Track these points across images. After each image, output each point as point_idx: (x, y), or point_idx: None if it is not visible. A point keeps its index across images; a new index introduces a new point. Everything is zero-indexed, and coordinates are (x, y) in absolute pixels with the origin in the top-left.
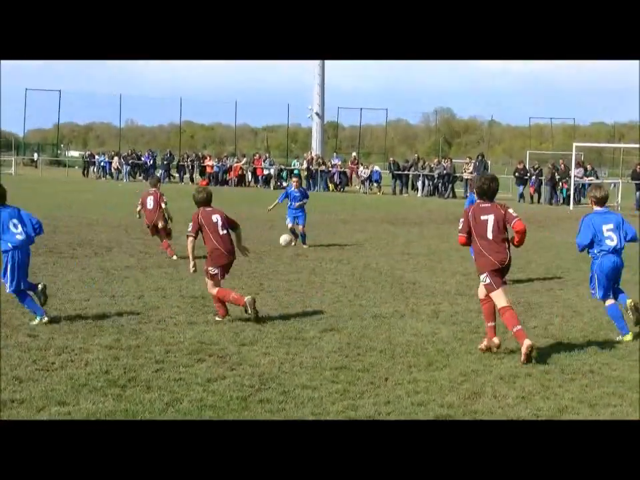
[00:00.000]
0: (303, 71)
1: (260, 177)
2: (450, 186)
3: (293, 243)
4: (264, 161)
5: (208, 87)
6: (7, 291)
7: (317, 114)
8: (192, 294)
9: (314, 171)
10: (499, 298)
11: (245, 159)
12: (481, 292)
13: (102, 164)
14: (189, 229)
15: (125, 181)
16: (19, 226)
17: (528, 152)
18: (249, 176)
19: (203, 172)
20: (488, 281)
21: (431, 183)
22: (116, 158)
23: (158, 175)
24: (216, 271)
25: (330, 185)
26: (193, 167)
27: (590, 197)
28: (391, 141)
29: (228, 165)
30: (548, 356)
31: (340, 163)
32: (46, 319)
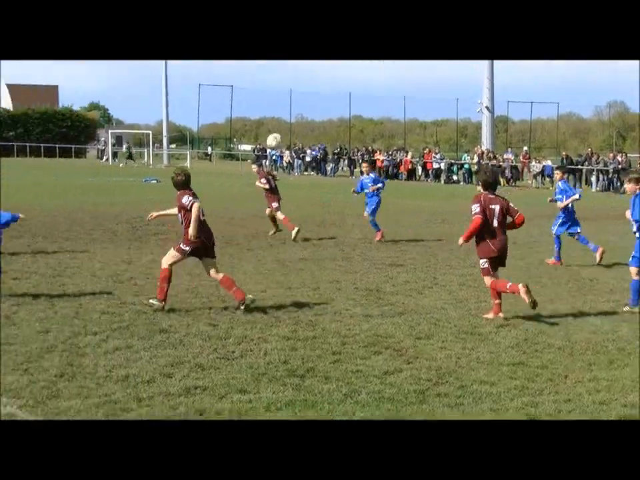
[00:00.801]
0: (472, 64)
1: (430, 171)
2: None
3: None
4: (434, 155)
5: (377, 82)
6: None
7: (487, 108)
8: (366, 287)
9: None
10: (487, 278)
11: (409, 153)
12: (488, 282)
13: (274, 157)
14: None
15: (296, 174)
16: None
17: None
18: (419, 170)
19: (373, 166)
20: (486, 266)
21: (605, 178)
22: (287, 152)
23: (328, 168)
24: (188, 249)
25: (501, 180)
26: (362, 160)
27: (630, 180)
28: (562, 135)
29: (398, 159)
30: None
31: (512, 157)
32: None
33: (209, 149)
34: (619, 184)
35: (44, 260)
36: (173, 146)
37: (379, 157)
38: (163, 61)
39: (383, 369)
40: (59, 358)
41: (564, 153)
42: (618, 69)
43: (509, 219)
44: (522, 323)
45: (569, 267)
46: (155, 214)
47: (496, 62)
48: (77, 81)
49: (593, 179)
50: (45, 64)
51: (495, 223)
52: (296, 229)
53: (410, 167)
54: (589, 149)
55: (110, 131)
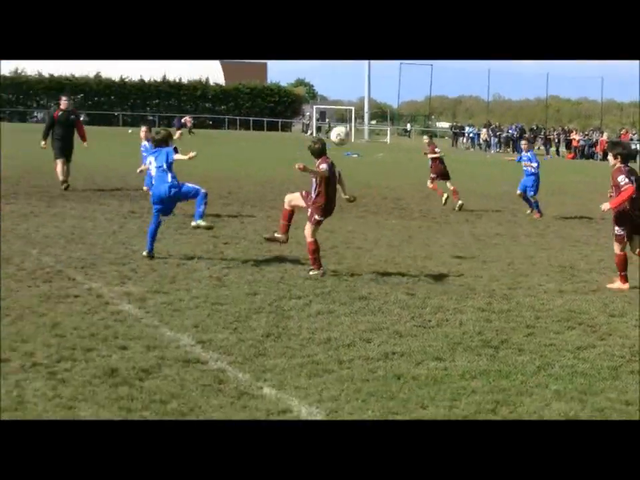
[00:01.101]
0: None
1: None
2: None
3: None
4: (632, 136)
5: (574, 62)
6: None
7: None
8: (560, 263)
9: None
10: (618, 245)
11: (605, 134)
12: (617, 249)
13: (471, 135)
14: (325, 167)
15: (492, 152)
16: (154, 165)
17: None
18: None
19: (568, 145)
20: (622, 233)
21: None
22: (484, 130)
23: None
24: (322, 218)
25: None
26: (559, 140)
27: None
28: None
29: (594, 139)
30: None
31: None
32: (144, 253)
33: (408, 125)
34: None
35: (252, 227)
36: (374, 122)
37: (575, 136)
38: None
39: (576, 344)
40: (266, 319)
41: None
42: None
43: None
44: None
45: None
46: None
47: None
48: None
49: None
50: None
51: (635, 194)
52: (445, 195)
53: (606, 147)
54: None
55: (315, 107)
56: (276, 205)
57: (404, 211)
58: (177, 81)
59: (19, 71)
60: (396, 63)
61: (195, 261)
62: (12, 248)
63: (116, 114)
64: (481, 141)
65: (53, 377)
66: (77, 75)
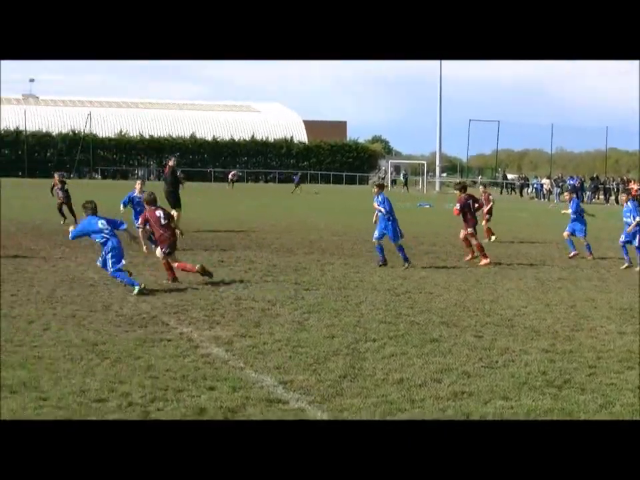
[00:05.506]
0: None
1: None
2: None
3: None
4: None
5: (633, 116)
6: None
7: None
8: (620, 305)
9: None
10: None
11: None
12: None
13: (535, 186)
14: None
15: (555, 202)
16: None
17: None
18: None
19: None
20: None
21: None
22: (547, 180)
23: (585, 196)
24: None
25: None
26: (617, 189)
27: None
28: None
29: None
30: None
31: None
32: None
33: (479, 178)
34: None
35: (331, 273)
36: (444, 175)
37: (633, 186)
38: (437, 97)
39: (637, 383)
40: (343, 361)
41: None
42: None
43: None
44: None
45: None
46: None
47: None
48: (363, 116)
49: None
50: (335, 102)
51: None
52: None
53: None
54: None
55: (390, 161)
56: (354, 253)
57: None
58: (264, 139)
59: (122, 133)
60: (466, 119)
61: (278, 306)
62: (112, 295)
63: (209, 170)
64: (545, 191)
65: (147, 416)
66: (173, 135)
